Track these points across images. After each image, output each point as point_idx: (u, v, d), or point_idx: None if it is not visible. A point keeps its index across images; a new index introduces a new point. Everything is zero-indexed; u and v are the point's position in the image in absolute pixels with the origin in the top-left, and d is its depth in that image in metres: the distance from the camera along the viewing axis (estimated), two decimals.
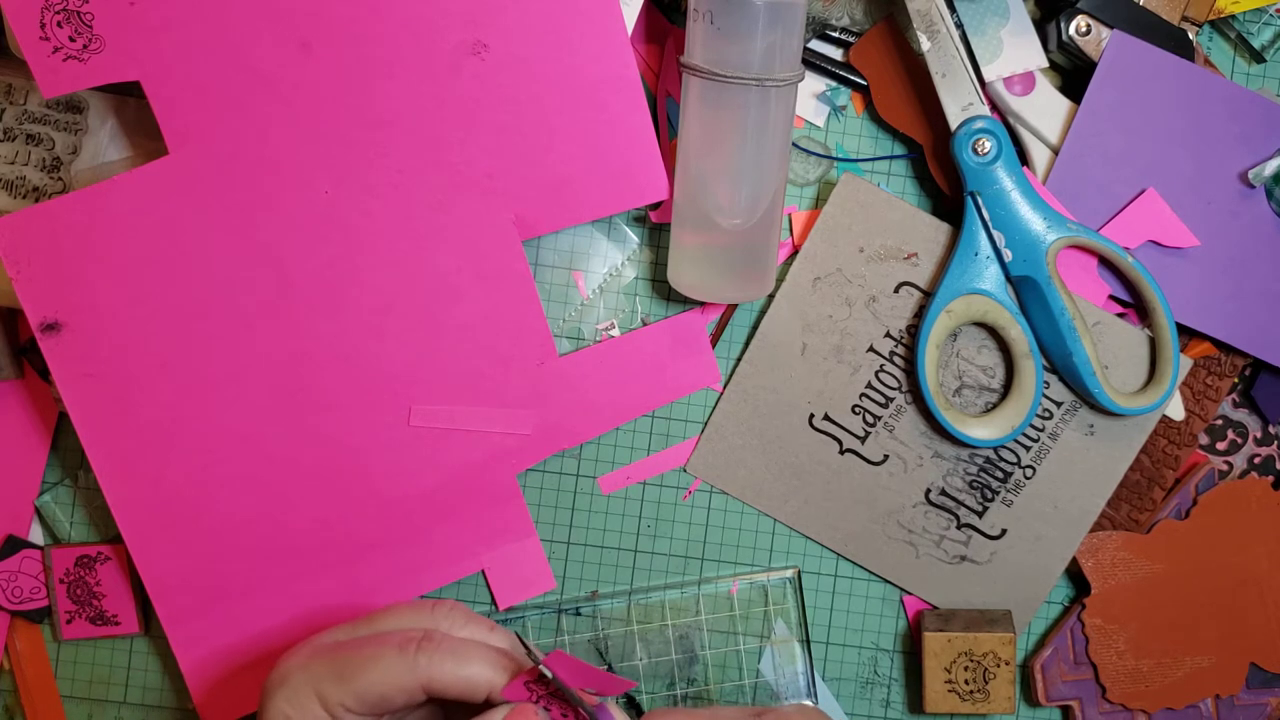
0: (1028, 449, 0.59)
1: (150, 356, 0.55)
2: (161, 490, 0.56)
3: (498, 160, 0.55)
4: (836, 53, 0.59)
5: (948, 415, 0.57)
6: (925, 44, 0.55)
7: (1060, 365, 0.57)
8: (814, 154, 0.60)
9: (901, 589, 0.61)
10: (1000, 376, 0.59)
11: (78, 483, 0.60)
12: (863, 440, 0.59)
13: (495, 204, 0.55)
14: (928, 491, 0.59)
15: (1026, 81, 0.57)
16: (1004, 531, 0.59)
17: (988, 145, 0.55)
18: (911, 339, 0.58)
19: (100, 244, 0.54)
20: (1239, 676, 0.60)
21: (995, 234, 0.56)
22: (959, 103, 0.55)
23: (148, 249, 0.54)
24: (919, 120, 0.58)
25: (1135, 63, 0.56)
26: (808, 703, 0.60)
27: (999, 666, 0.58)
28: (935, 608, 0.60)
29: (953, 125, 0.56)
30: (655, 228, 0.60)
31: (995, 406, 0.58)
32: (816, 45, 0.59)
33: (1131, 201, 0.57)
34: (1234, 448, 0.60)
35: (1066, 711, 0.61)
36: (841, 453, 0.59)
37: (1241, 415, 0.60)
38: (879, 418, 0.59)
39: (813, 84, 0.59)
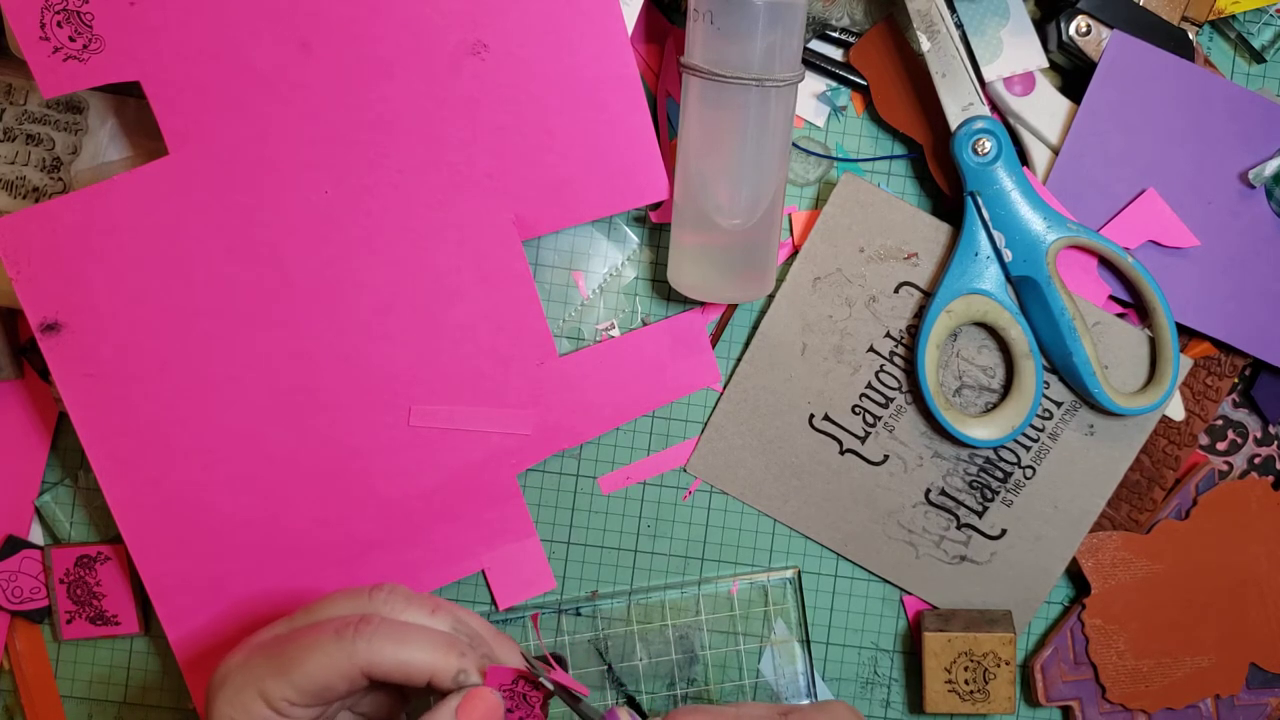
0: (1028, 449, 0.59)
1: (150, 356, 0.55)
2: (161, 490, 0.56)
3: (498, 160, 0.55)
4: (836, 53, 0.59)
5: (948, 415, 0.57)
6: (925, 44, 0.55)
7: (1060, 365, 0.57)
8: (814, 154, 0.60)
9: (901, 589, 0.61)
10: (1000, 376, 0.59)
11: (78, 483, 0.60)
12: (863, 440, 0.59)
13: (495, 204, 0.55)
14: (928, 491, 0.59)
15: (1026, 81, 0.57)
16: (1004, 531, 0.59)
17: (988, 145, 0.55)
18: (911, 339, 0.58)
19: (100, 244, 0.54)
20: (1239, 676, 0.60)
21: (995, 234, 0.56)
22: (959, 103, 0.55)
23: (148, 249, 0.54)
24: (919, 120, 0.58)
25: (1135, 63, 0.56)
26: (813, 690, 0.60)
27: (999, 666, 0.58)
28: (935, 608, 0.60)
29: (953, 125, 0.56)
30: (655, 228, 0.60)
31: (995, 406, 0.58)
32: (816, 45, 0.59)
33: (1131, 201, 0.57)
34: (1234, 448, 0.60)
35: (1066, 711, 0.61)
36: (841, 453, 0.59)
37: (1241, 415, 0.60)
38: (879, 418, 0.59)
39: (813, 84, 0.59)
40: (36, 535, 0.61)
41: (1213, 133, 0.57)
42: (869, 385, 0.59)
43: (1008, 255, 0.56)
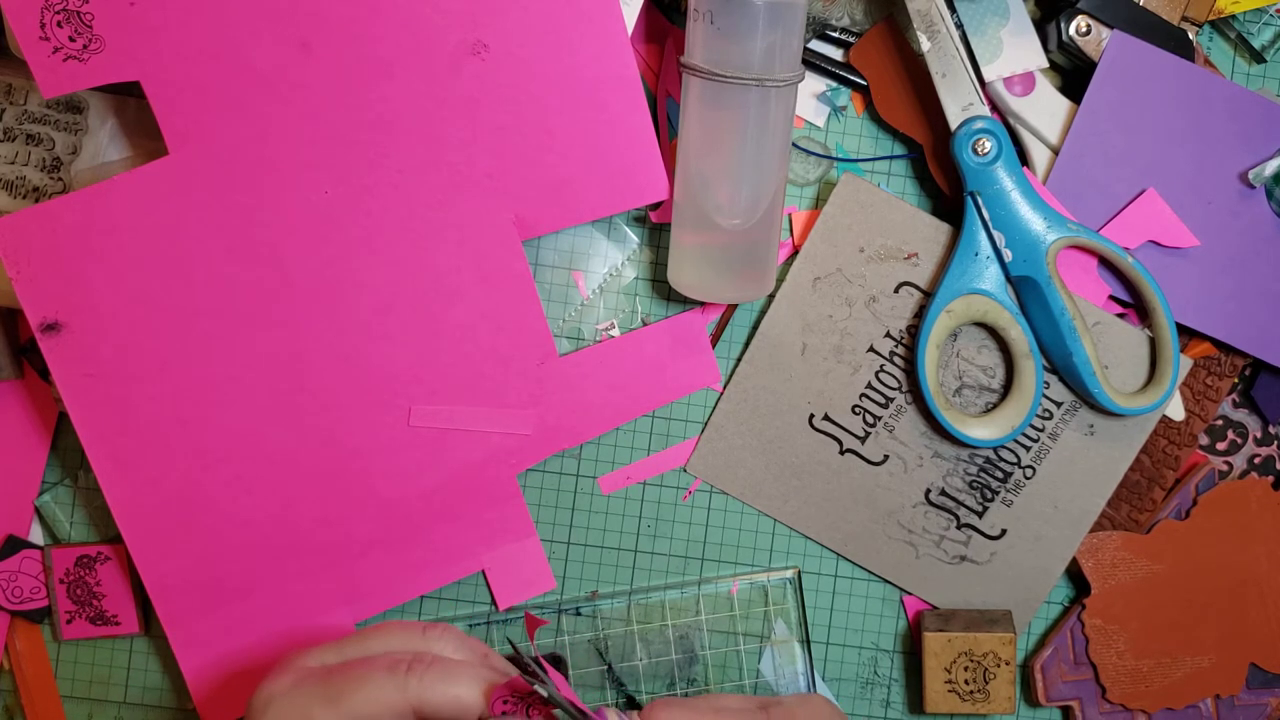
0: (1028, 449, 0.59)
1: (150, 356, 0.55)
2: (161, 490, 0.56)
3: (498, 160, 0.55)
4: (836, 53, 0.59)
5: (948, 415, 0.57)
6: (925, 44, 0.55)
7: (1060, 365, 0.57)
8: (814, 154, 0.60)
9: (901, 589, 0.61)
10: (1000, 376, 0.59)
11: (78, 483, 0.60)
12: (863, 440, 0.59)
13: (495, 204, 0.55)
14: (928, 491, 0.59)
15: (1026, 81, 0.57)
16: (1004, 531, 0.59)
17: (988, 145, 0.55)
18: (911, 339, 0.58)
19: (100, 244, 0.54)
20: (1239, 676, 0.60)
21: (995, 234, 0.56)
22: (959, 103, 0.55)
23: (148, 249, 0.54)
24: (919, 120, 0.58)
25: (1135, 63, 0.56)
26: (813, 690, 0.60)
27: (999, 666, 0.58)
28: (935, 608, 0.60)
29: (953, 125, 0.56)
30: (655, 228, 0.60)
31: (995, 406, 0.58)
32: (816, 45, 0.59)
33: (1131, 201, 0.57)
34: (1234, 448, 0.60)
35: (1066, 712, 0.61)
36: (841, 453, 0.59)
37: (1241, 415, 0.60)
38: (879, 418, 0.59)
39: (813, 84, 0.59)
40: (36, 535, 0.61)
41: (1213, 133, 0.57)
42: (869, 385, 0.59)
43: (1008, 255, 0.56)
